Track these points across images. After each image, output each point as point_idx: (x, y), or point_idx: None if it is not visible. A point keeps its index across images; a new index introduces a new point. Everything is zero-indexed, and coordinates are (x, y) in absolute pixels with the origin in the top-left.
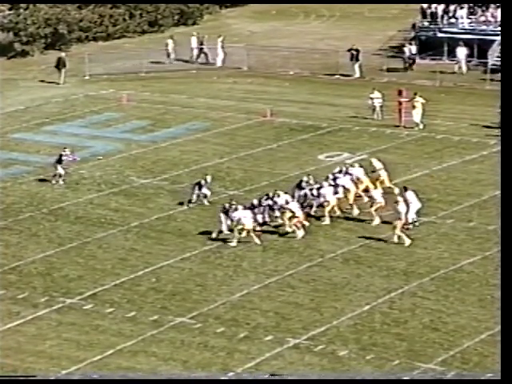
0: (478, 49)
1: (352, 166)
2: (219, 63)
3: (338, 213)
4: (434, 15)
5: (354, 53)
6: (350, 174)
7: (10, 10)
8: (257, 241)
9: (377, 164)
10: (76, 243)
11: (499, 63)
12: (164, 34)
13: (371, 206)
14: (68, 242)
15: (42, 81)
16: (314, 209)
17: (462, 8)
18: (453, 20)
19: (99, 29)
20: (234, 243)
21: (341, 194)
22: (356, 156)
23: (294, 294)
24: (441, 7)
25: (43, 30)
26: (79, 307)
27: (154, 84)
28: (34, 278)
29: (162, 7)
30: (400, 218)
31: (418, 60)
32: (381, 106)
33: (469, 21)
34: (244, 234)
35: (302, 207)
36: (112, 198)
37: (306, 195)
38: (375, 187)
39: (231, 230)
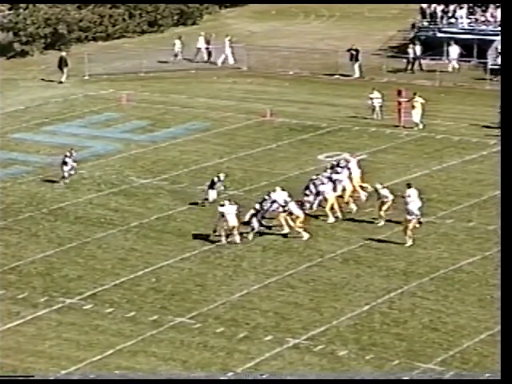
0: (478, 49)
1: (347, 160)
2: (231, 62)
3: (339, 214)
4: (433, 15)
5: (354, 53)
6: (349, 169)
7: (9, 9)
8: (237, 239)
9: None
10: (76, 243)
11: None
12: (164, 34)
13: (381, 207)
14: (68, 242)
15: (43, 79)
16: (314, 207)
17: (461, 8)
18: (452, 20)
19: (99, 29)
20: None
21: (339, 192)
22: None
23: (294, 294)
24: (440, 7)
25: (43, 30)
26: (79, 307)
27: (154, 84)
28: (34, 278)
29: (161, 7)
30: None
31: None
32: (380, 106)
33: (468, 21)
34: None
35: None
36: (112, 198)
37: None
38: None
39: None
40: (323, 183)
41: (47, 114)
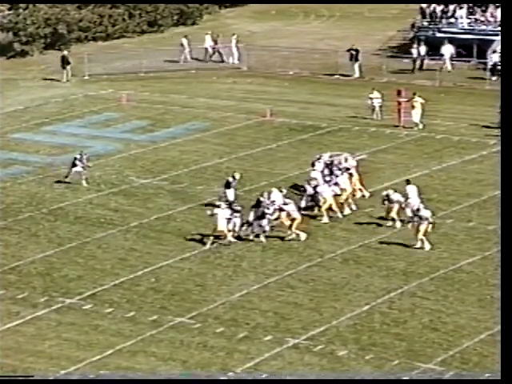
0: (478, 49)
1: (347, 161)
2: (236, 61)
3: (339, 214)
4: (433, 15)
5: (354, 53)
6: (348, 169)
7: (9, 9)
8: (228, 240)
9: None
10: (75, 243)
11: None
12: (163, 34)
13: (390, 211)
14: (67, 242)
15: (45, 79)
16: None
17: (461, 8)
18: (452, 20)
19: (99, 29)
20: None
21: (338, 191)
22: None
23: (294, 294)
24: (440, 7)
25: (43, 30)
26: (79, 307)
27: (154, 84)
28: (34, 278)
29: (161, 7)
30: (421, 222)
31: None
32: (380, 106)
33: (468, 21)
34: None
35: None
36: (111, 198)
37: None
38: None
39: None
40: (319, 184)
41: (47, 114)
